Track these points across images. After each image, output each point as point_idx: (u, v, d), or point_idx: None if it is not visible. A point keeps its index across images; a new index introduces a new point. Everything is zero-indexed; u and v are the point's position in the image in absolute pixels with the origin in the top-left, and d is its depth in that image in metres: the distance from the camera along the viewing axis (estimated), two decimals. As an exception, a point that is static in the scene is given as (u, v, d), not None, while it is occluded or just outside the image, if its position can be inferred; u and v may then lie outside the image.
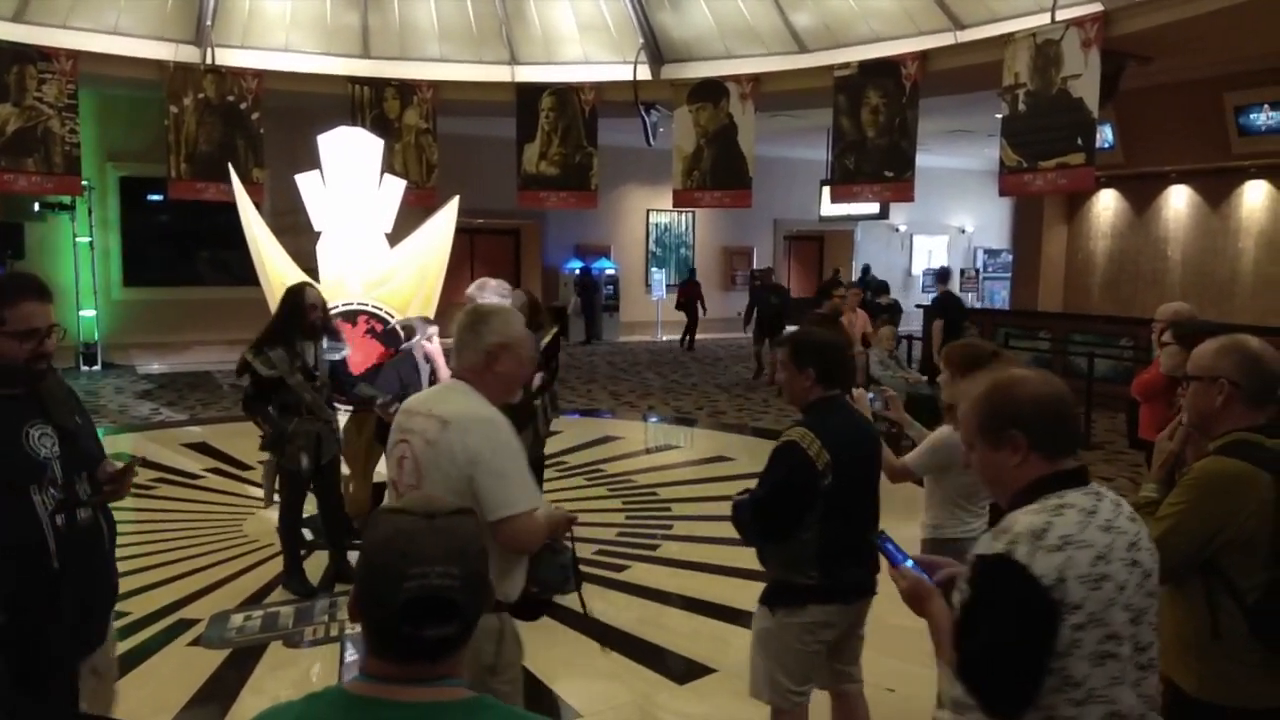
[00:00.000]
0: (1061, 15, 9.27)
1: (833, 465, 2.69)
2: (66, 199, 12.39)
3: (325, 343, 4.96)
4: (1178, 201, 13.02)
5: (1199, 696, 2.13)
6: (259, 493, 6.38)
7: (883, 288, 14.00)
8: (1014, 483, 1.72)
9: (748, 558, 4.99)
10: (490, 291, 4.97)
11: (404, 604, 1.15)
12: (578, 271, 17.86)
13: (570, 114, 12.49)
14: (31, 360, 2.22)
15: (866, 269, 16.83)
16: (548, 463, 6.35)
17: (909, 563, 1.83)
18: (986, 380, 1.80)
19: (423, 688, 1.18)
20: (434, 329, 5.59)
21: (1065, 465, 1.69)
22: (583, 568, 5.55)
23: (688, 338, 17.17)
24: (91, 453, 2.42)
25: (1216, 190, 12.50)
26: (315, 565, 5.23)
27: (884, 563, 1.89)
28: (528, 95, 12.43)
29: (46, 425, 2.27)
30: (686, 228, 19.45)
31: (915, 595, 1.79)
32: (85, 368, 12.94)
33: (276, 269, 5.86)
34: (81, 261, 13.19)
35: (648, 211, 18.83)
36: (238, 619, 4.60)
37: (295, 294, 4.92)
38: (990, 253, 21.96)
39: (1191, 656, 2.14)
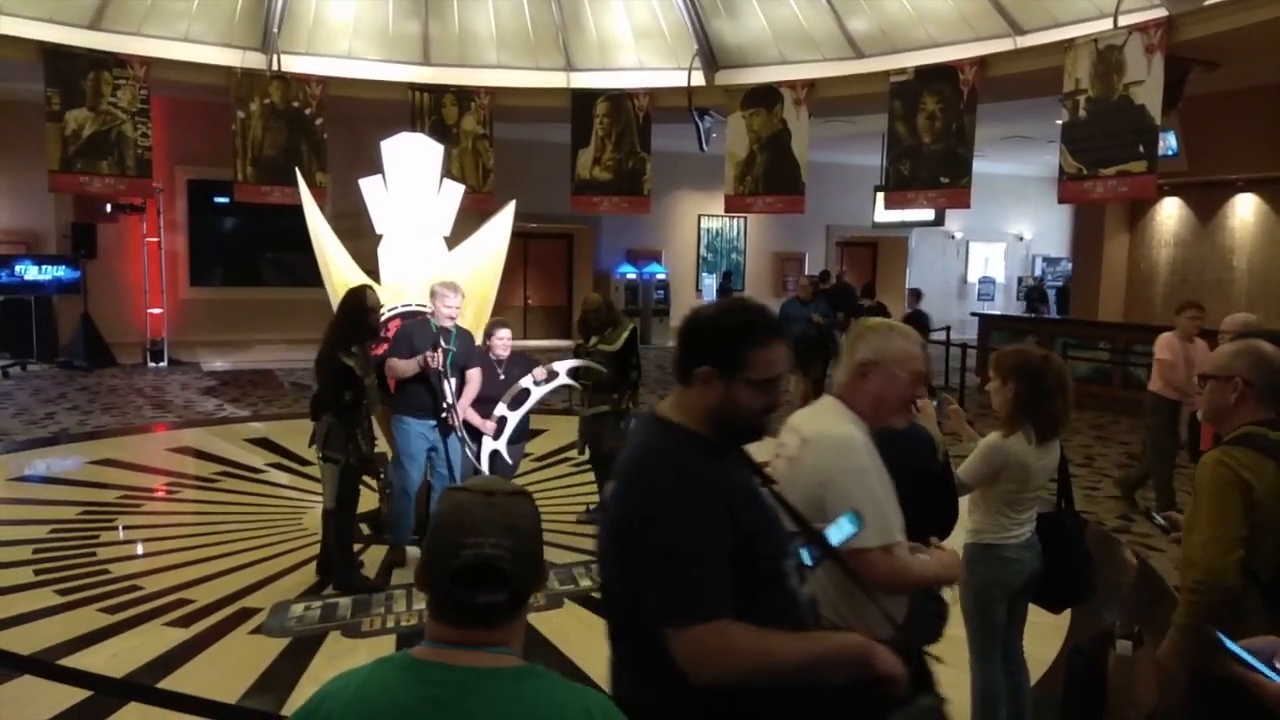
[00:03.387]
0: (1124, 21, 9.11)
1: None
2: (138, 200, 12.82)
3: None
4: (1244, 210, 12.67)
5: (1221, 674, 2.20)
6: (319, 487, 6.54)
7: (867, 291, 13.17)
8: None
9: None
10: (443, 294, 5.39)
11: (457, 569, 1.27)
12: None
13: (624, 120, 12.59)
14: (763, 414, 1.80)
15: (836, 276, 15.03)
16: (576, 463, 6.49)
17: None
18: None
19: (478, 652, 1.30)
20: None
21: None
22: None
23: None
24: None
25: (1285, 199, 12.16)
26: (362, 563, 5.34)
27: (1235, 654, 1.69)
28: (583, 101, 12.56)
29: (761, 482, 1.94)
30: (738, 233, 19.44)
31: None
32: (152, 364, 13.38)
33: (340, 270, 6.02)
34: (150, 261, 13.67)
35: (699, 216, 18.85)
36: (298, 609, 4.74)
37: (359, 295, 5.02)
38: (1049, 261, 21.58)
39: None
